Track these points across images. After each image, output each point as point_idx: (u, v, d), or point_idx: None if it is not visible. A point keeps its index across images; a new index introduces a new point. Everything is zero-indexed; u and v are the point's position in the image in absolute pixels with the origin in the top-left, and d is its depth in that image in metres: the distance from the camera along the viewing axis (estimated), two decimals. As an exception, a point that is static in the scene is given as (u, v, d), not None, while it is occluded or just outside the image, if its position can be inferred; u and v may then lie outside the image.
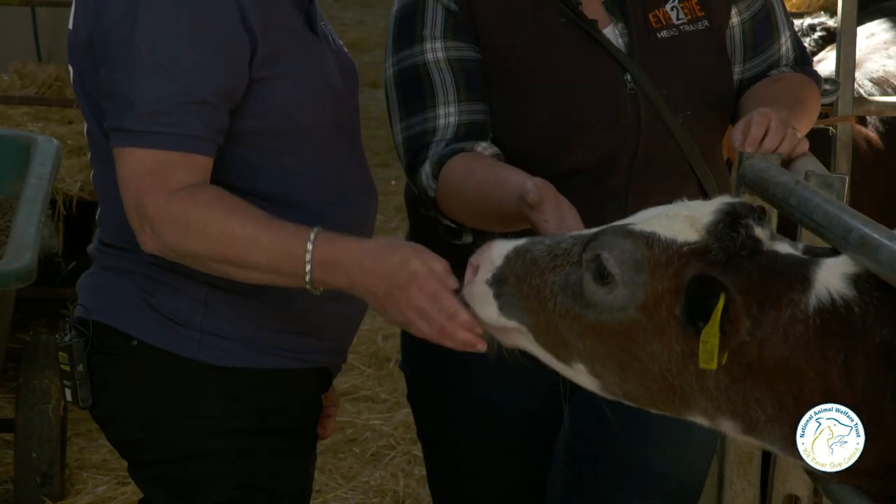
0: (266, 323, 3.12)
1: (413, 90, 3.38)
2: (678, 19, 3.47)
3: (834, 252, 2.62)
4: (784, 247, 2.64)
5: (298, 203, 3.07)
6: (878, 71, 4.97)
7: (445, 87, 3.36)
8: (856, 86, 4.80)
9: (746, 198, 3.01)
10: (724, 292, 2.50)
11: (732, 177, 3.43)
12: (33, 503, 5.44)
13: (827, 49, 4.97)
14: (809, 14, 5.31)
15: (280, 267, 2.90)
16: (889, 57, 5.03)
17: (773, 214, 3.03)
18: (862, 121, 4.79)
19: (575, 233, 2.72)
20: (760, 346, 2.55)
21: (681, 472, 3.54)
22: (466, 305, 2.76)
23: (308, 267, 2.88)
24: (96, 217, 3.24)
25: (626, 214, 3.35)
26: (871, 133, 4.83)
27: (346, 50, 3.33)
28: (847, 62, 4.50)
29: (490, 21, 3.39)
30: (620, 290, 2.60)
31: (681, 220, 2.63)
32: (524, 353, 2.78)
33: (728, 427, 2.63)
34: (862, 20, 4.85)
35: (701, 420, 2.64)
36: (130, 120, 2.93)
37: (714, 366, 2.53)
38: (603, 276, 2.61)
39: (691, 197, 3.38)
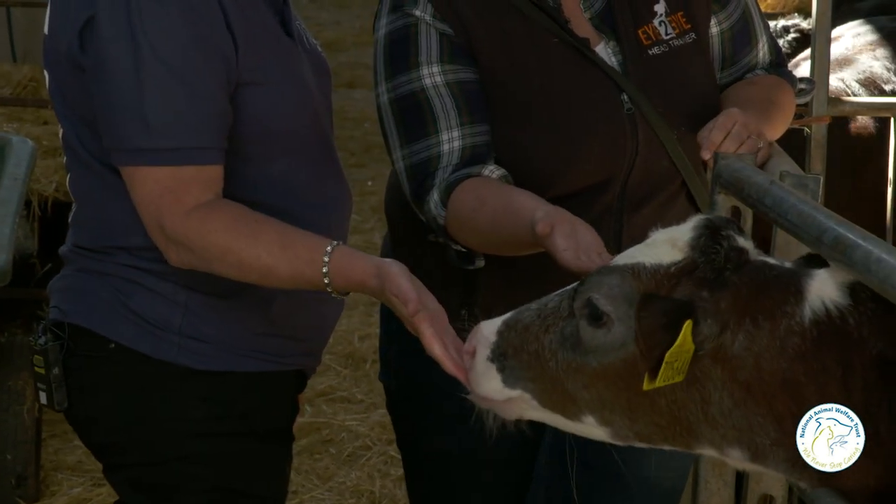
0: (245, 326, 3.11)
1: (413, 116, 3.33)
2: (667, 34, 3.46)
3: (823, 263, 2.62)
4: (770, 259, 2.64)
5: (277, 208, 3.06)
6: (864, 72, 4.99)
7: (447, 112, 3.32)
8: (843, 87, 4.82)
9: (722, 197, 3.02)
10: (689, 318, 2.50)
11: (708, 177, 3.44)
12: (8, 505, 5.43)
13: (801, 55, 4.98)
14: (783, 15, 5.32)
15: (302, 286, 2.95)
16: (875, 58, 5.05)
17: (748, 215, 3.04)
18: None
19: (559, 291, 2.70)
20: (758, 359, 2.54)
21: (667, 476, 3.54)
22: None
23: (329, 289, 2.91)
24: (69, 219, 3.22)
25: (621, 230, 3.36)
26: None
27: (319, 49, 3.32)
28: (821, 62, 4.51)
29: (486, 44, 3.35)
30: (617, 327, 2.59)
31: (662, 245, 2.62)
32: (528, 423, 2.77)
33: (736, 456, 2.62)
34: (836, 21, 4.86)
35: (710, 451, 2.63)
36: (142, 138, 2.91)
37: (654, 386, 2.52)
38: (598, 318, 2.59)
39: (682, 209, 3.41)
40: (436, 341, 2.78)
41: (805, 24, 5.16)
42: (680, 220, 2.69)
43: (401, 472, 5.74)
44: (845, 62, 5.02)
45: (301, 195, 3.12)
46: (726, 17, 3.58)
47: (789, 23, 5.21)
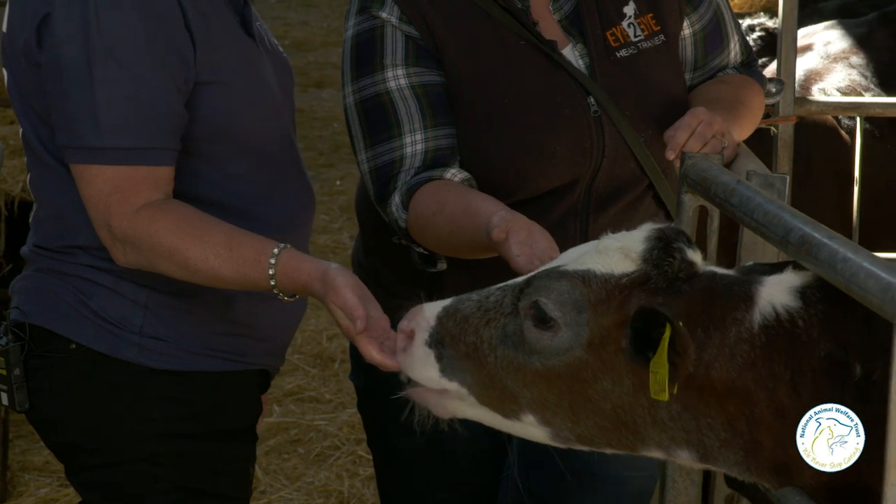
0: (206, 325, 3.10)
1: (377, 119, 3.33)
2: (636, 36, 3.46)
3: (776, 270, 2.62)
4: (718, 269, 2.65)
5: (238, 208, 3.06)
6: (844, 80, 5.01)
7: (411, 115, 3.32)
8: (824, 97, 4.84)
9: (689, 197, 3.02)
10: (668, 323, 2.50)
11: (675, 176, 3.44)
12: (-26, 506, 5.41)
13: (767, 59, 4.99)
14: (750, 15, 5.33)
15: (249, 287, 2.95)
16: (852, 66, 5.07)
17: (715, 214, 3.04)
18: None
19: (501, 284, 2.68)
20: (708, 368, 2.54)
21: (636, 475, 3.55)
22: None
23: (276, 291, 2.90)
24: (30, 219, 3.20)
25: (586, 230, 3.35)
26: None
27: (281, 49, 3.30)
28: (788, 62, 4.52)
29: (452, 46, 3.35)
30: (564, 332, 2.59)
31: (614, 253, 2.62)
32: (461, 422, 2.74)
33: (684, 457, 2.62)
34: (801, 21, 4.87)
35: (657, 454, 2.63)
36: (93, 137, 2.90)
37: (666, 397, 2.52)
38: (544, 322, 2.59)
39: (649, 210, 3.41)
40: (372, 346, 2.77)
41: (771, 24, 5.17)
42: (647, 220, 2.69)
43: (369, 471, 5.73)
44: (825, 71, 5.04)
45: (261, 195, 3.11)
46: (698, 19, 3.58)
47: (755, 22, 5.22)
